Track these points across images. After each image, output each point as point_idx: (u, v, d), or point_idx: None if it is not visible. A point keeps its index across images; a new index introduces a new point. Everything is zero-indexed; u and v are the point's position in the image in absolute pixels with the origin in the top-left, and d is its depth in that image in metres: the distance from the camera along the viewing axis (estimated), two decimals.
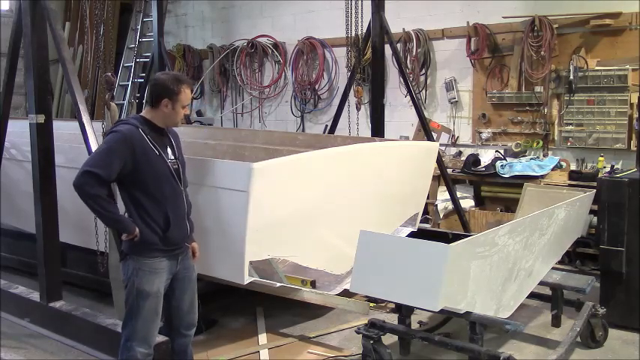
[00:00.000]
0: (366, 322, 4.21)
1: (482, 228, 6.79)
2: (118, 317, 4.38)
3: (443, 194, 7.54)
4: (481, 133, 7.93)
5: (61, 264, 5.14)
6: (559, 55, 7.23)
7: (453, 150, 8.16)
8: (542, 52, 7.17)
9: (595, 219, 5.19)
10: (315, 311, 5.28)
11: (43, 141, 4.84)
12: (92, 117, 5.30)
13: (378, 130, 6.93)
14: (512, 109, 7.66)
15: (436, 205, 7.66)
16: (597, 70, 6.89)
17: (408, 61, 8.29)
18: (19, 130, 5.65)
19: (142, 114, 3.64)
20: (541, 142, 7.45)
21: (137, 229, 3.47)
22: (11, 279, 5.77)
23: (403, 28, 8.29)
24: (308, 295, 4.74)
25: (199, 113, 10.65)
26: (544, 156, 7.30)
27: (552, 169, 6.96)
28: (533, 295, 4.73)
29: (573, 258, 6.61)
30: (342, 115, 7.07)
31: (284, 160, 4.73)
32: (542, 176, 6.88)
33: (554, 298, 4.95)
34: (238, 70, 10.27)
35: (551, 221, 4.44)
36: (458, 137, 8.19)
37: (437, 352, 4.48)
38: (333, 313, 5.34)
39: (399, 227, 5.97)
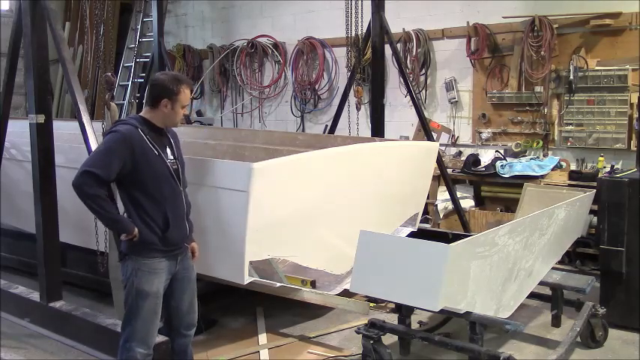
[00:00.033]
0: (366, 322, 4.21)
1: (482, 228, 6.78)
2: (118, 317, 4.38)
3: (443, 194, 7.54)
4: (481, 133, 7.93)
5: (61, 264, 5.14)
6: (559, 55, 7.23)
7: (453, 150, 8.16)
8: (542, 52, 7.17)
9: (595, 219, 5.19)
10: (315, 311, 5.28)
11: (43, 141, 4.84)
12: (92, 117, 5.30)
13: (378, 130, 6.93)
14: (512, 109, 7.66)
15: (436, 205, 7.66)
16: (597, 70, 6.89)
17: (408, 61, 8.29)
18: (19, 130, 5.65)
19: (141, 114, 3.63)
20: (541, 142, 7.45)
21: (136, 230, 3.47)
22: (11, 279, 5.77)
23: (403, 28, 8.29)
24: (308, 295, 4.74)
25: (199, 113, 10.66)
26: (544, 156, 7.30)
27: (552, 169, 6.96)
28: (533, 295, 4.73)
29: (573, 258, 6.60)
30: (342, 115, 7.07)
31: (284, 160, 4.73)
32: (542, 176, 6.88)
33: (554, 298, 4.95)
34: (238, 70, 10.26)
35: (551, 221, 4.44)
36: (458, 137, 8.19)
37: (437, 352, 4.48)
38: (333, 313, 5.34)
39: (399, 227, 5.97)
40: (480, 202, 7.58)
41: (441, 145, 7.68)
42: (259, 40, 9.99)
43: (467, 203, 7.43)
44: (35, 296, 5.02)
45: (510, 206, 7.14)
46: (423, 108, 7.73)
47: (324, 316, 5.32)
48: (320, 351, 4.67)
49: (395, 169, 5.57)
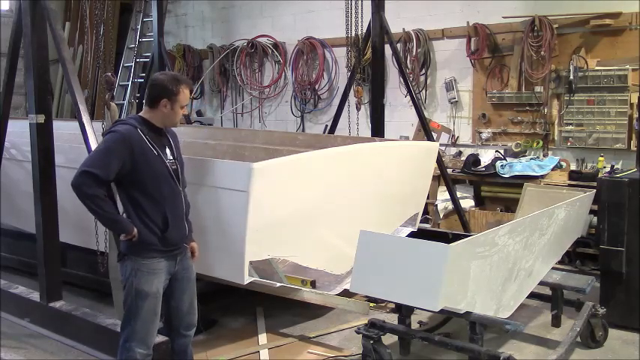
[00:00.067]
0: (366, 322, 4.21)
1: (482, 228, 6.78)
2: (117, 317, 4.38)
3: (443, 194, 7.54)
4: (481, 133, 7.92)
5: (61, 264, 5.14)
6: (559, 55, 7.23)
7: (453, 150, 8.15)
8: (542, 52, 7.17)
9: (595, 219, 5.18)
10: (315, 311, 5.28)
11: (43, 141, 4.84)
12: (92, 117, 5.30)
13: (378, 130, 6.93)
14: (512, 109, 7.66)
15: (436, 205, 7.66)
16: (597, 70, 6.89)
17: (408, 61, 8.29)
18: (19, 130, 5.65)
19: (140, 114, 3.63)
20: (541, 142, 7.44)
21: (135, 230, 3.47)
22: (11, 279, 5.77)
23: (403, 28, 8.29)
24: (308, 295, 4.74)
25: (199, 113, 10.65)
26: (544, 156, 7.29)
27: (552, 169, 6.96)
28: (533, 295, 4.73)
29: (573, 258, 6.60)
30: (342, 115, 7.07)
31: (284, 160, 4.73)
32: (542, 176, 6.88)
33: (554, 298, 4.95)
34: (238, 70, 10.26)
35: (551, 221, 4.44)
36: (458, 137, 8.18)
37: (437, 352, 4.48)
38: (333, 313, 5.34)
39: (399, 227, 5.97)
40: (479, 202, 7.58)
41: (441, 145, 7.68)
42: (259, 40, 9.99)
43: (467, 203, 7.43)
44: (35, 296, 5.02)
45: (510, 206, 7.14)
46: (423, 108, 7.73)
47: (324, 316, 5.32)
48: (320, 351, 4.67)
49: (395, 169, 5.57)
